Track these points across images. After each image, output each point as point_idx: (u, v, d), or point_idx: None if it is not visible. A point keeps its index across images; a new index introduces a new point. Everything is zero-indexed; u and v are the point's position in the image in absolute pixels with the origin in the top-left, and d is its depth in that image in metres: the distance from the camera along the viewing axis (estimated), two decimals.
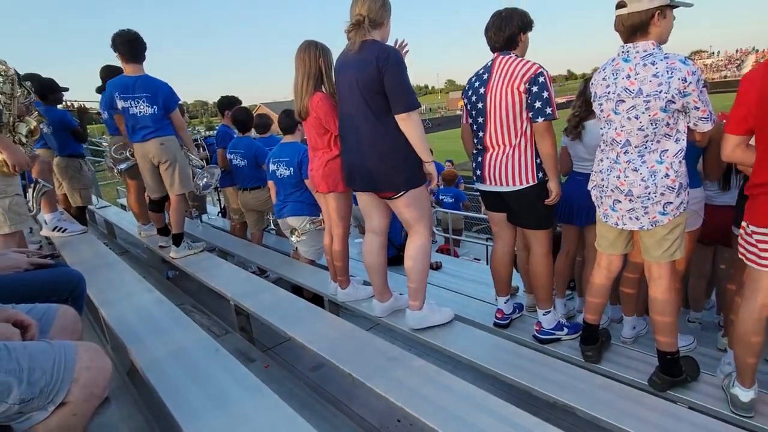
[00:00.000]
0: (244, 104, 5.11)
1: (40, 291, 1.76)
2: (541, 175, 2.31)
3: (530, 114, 2.22)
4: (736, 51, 75.45)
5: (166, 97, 3.55)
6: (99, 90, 4.53)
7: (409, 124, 2.22)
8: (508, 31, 2.28)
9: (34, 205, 3.57)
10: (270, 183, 3.91)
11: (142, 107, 3.55)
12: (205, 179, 4.07)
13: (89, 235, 4.49)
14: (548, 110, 2.18)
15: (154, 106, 3.54)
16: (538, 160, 2.30)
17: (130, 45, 3.47)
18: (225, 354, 2.21)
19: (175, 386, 1.95)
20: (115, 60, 3.61)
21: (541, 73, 2.18)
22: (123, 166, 4.41)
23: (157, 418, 2.13)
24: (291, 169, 3.59)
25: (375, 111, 2.24)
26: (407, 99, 2.20)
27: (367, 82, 2.20)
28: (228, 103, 4.90)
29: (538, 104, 2.18)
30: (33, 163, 3.82)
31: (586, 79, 2.57)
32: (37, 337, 1.45)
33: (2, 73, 2.96)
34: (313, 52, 2.57)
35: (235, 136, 4.54)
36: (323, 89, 2.63)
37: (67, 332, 1.63)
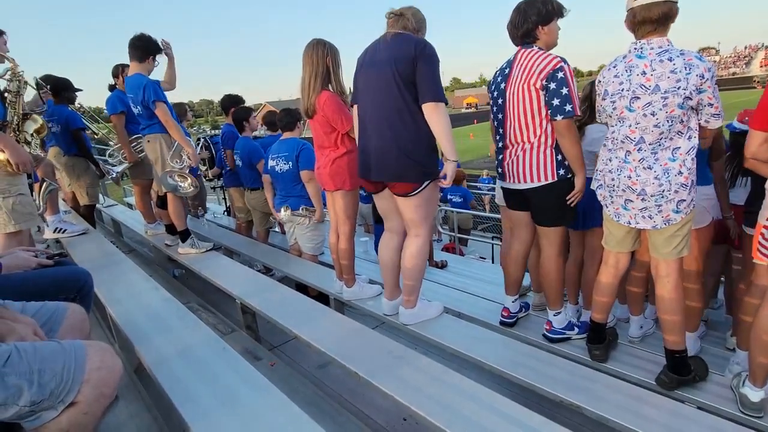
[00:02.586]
0: (249, 103, 5.12)
1: (49, 289, 1.78)
2: (562, 172, 2.22)
3: (549, 112, 2.14)
4: (745, 47, 74.63)
5: (143, 96, 3.49)
6: (111, 88, 4.57)
7: (436, 114, 2.15)
8: (523, 27, 2.21)
9: (41, 204, 3.59)
10: (265, 177, 3.96)
11: (134, 108, 3.63)
12: (174, 182, 3.72)
13: (96, 234, 4.51)
14: (568, 107, 2.08)
15: (138, 107, 3.57)
16: (559, 157, 2.21)
17: (135, 44, 3.53)
18: (231, 352, 2.21)
19: (182, 384, 1.96)
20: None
21: (561, 68, 2.08)
22: (118, 169, 4.46)
23: (164, 416, 2.14)
24: (290, 163, 3.62)
25: (406, 101, 2.18)
26: (437, 90, 2.16)
27: (401, 69, 2.14)
28: (232, 102, 4.91)
29: (556, 102, 2.09)
30: (38, 164, 3.86)
31: (592, 83, 2.54)
32: (46, 336, 1.47)
33: (11, 71, 3.00)
34: (321, 50, 2.56)
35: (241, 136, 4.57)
36: (330, 88, 2.62)
37: (76, 330, 1.64)
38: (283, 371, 2.71)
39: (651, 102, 1.81)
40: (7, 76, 3.02)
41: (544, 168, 2.23)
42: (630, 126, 1.90)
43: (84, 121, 4.81)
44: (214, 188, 6.55)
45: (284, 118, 3.72)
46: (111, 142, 5.70)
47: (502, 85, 2.31)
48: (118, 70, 4.42)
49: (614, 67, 1.94)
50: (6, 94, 3.01)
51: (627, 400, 1.87)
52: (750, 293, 2.08)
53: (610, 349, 2.30)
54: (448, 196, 8.02)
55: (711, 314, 2.99)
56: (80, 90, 4.64)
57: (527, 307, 2.80)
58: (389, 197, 2.43)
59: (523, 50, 2.24)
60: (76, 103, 4.80)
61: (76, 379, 1.28)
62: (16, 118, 3.02)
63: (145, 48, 3.53)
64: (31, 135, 3.11)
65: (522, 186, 2.31)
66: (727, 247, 2.75)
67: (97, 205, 5.66)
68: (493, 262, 6.56)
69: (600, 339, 2.26)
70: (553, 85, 2.10)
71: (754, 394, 1.80)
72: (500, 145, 2.41)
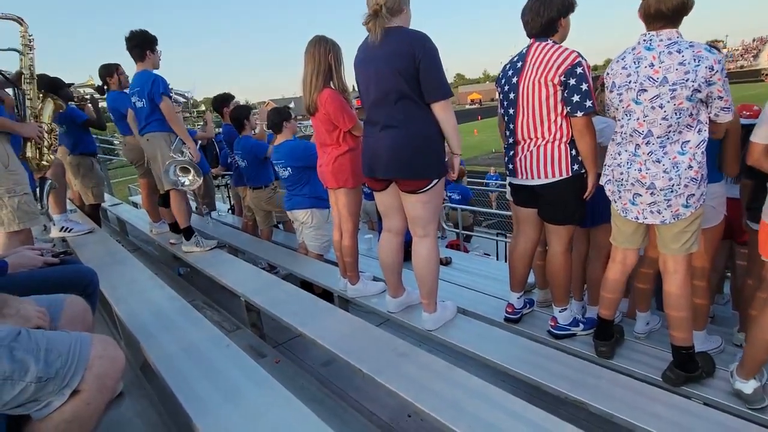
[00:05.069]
0: (253, 101, 5.13)
1: (54, 287, 1.79)
2: (576, 167, 2.17)
3: (568, 109, 2.10)
4: (753, 40, 73.78)
5: (150, 88, 3.51)
6: (101, 90, 4.56)
7: (446, 112, 2.15)
8: (546, 16, 2.12)
9: (46, 203, 3.63)
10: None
11: (137, 102, 3.64)
12: (174, 177, 3.74)
13: (102, 233, 4.54)
14: (588, 103, 2.05)
15: (143, 100, 3.59)
16: (573, 152, 2.16)
17: (129, 44, 3.55)
18: (236, 349, 2.22)
19: (187, 381, 1.97)
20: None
21: (579, 63, 2.04)
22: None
23: (170, 413, 2.15)
24: (289, 168, 3.63)
25: (412, 98, 2.14)
26: (444, 87, 2.14)
27: (401, 66, 2.09)
28: (223, 101, 4.90)
29: (576, 98, 2.05)
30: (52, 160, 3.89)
31: (594, 77, 2.49)
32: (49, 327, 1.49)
33: (22, 34, 3.07)
34: (323, 47, 2.54)
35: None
36: (332, 85, 2.61)
37: (78, 321, 1.65)
38: (288, 368, 2.72)
39: (659, 94, 1.79)
40: (19, 47, 3.06)
41: (558, 163, 2.18)
42: (638, 119, 1.87)
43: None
44: (218, 186, 6.57)
45: (273, 118, 3.70)
46: (116, 141, 5.71)
47: (514, 79, 2.25)
48: (113, 69, 4.36)
49: (623, 59, 1.91)
50: (28, 101, 3.07)
51: (632, 396, 1.86)
52: (762, 289, 2.07)
53: (616, 345, 2.28)
54: (448, 194, 8.00)
55: (718, 310, 2.97)
56: (72, 84, 4.66)
57: (532, 304, 2.79)
58: (394, 195, 2.40)
59: (538, 43, 2.18)
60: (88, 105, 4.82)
61: (80, 362, 1.32)
62: (31, 107, 3.09)
63: (140, 45, 3.54)
64: (48, 124, 3.24)
65: (535, 182, 2.27)
66: (730, 242, 2.72)
67: (103, 204, 5.69)
68: (497, 259, 6.54)
69: (607, 336, 2.24)
70: (572, 81, 2.05)
71: (745, 386, 1.80)
72: (511, 140, 2.36)
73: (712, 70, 1.71)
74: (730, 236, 2.60)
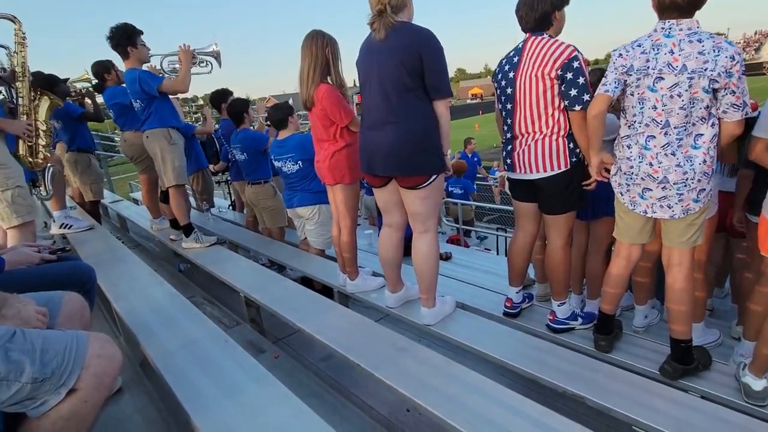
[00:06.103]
0: (254, 97, 5.11)
1: (52, 284, 1.79)
2: (574, 159, 2.18)
3: (566, 103, 2.10)
4: (755, 33, 73.28)
5: (140, 88, 3.49)
6: (98, 88, 4.54)
7: (447, 109, 2.18)
8: (540, 10, 2.13)
9: (50, 188, 3.65)
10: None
11: (133, 102, 3.64)
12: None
13: (102, 230, 4.55)
14: (586, 97, 2.04)
15: (138, 100, 3.58)
16: (571, 145, 2.17)
17: (111, 44, 3.51)
18: (235, 345, 2.23)
19: (186, 378, 1.98)
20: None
21: (576, 57, 2.04)
22: None
23: (169, 409, 2.16)
24: (299, 162, 3.57)
25: (415, 93, 2.14)
26: (447, 85, 2.15)
27: (406, 61, 2.08)
28: (222, 97, 4.88)
29: (573, 92, 2.05)
30: (50, 157, 3.90)
31: (595, 70, 2.47)
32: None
33: (15, 32, 3.07)
34: (320, 41, 2.53)
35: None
36: (329, 80, 2.60)
37: (76, 319, 1.65)
38: (287, 364, 2.73)
39: (678, 83, 1.76)
40: (12, 46, 3.05)
41: (557, 157, 2.18)
42: (655, 108, 1.83)
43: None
44: (218, 182, 6.56)
45: (275, 114, 3.66)
46: (116, 138, 5.70)
47: (511, 74, 2.25)
48: (109, 66, 4.30)
49: (640, 45, 1.85)
50: (20, 99, 3.06)
51: (630, 390, 1.87)
52: (761, 283, 2.06)
53: (614, 339, 2.28)
54: (449, 188, 8.01)
55: (717, 303, 2.97)
56: (66, 80, 4.64)
57: (531, 298, 2.79)
58: (393, 191, 2.39)
59: (534, 37, 2.18)
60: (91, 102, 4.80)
61: (77, 361, 1.31)
62: (24, 114, 3.07)
63: (120, 43, 3.49)
64: (44, 122, 3.22)
65: (534, 176, 2.26)
66: (725, 235, 2.71)
67: (103, 201, 5.70)
68: (498, 254, 6.54)
69: (607, 330, 2.24)
70: (569, 75, 2.05)
71: (756, 383, 1.80)
72: (509, 135, 2.36)
73: (733, 59, 1.68)
74: (724, 229, 2.60)
